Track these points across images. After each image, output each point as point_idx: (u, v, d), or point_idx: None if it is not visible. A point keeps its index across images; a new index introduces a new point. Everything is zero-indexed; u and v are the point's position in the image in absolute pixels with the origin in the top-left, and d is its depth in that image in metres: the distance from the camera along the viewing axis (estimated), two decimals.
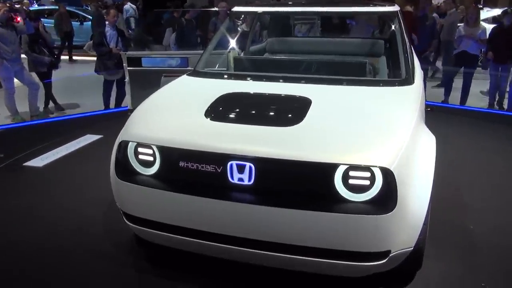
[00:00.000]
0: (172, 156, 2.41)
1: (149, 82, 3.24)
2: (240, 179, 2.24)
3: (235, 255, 2.39)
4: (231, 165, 2.24)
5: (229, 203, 2.24)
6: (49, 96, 7.27)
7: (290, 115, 2.45)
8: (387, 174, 2.05)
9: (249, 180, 2.22)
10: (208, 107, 2.56)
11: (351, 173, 2.10)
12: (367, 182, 2.09)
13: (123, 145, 2.52)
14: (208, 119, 2.45)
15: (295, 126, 2.28)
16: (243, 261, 2.43)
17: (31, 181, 4.21)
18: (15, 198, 3.79)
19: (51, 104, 7.36)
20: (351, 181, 2.11)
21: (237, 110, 2.61)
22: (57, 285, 2.69)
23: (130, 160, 2.51)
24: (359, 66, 3.13)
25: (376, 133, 2.24)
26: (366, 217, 2.05)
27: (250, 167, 2.20)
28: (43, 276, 2.76)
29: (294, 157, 2.12)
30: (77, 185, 4.04)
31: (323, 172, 2.12)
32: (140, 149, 2.48)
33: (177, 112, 2.65)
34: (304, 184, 2.18)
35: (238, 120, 2.45)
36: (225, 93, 2.74)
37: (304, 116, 2.35)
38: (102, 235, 3.20)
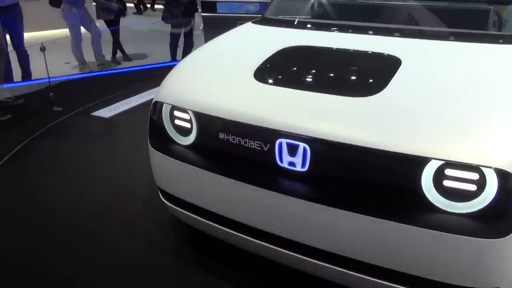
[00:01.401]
0: (209, 125, 1.91)
1: (224, 31, 2.66)
2: (291, 163, 1.68)
3: (280, 258, 1.88)
4: (280, 144, 1.68)
5: (273, 193, 1.70)
6: (117, 45, 7.07)
7: (367, 81, 1.80)
8: (506, 180, 1.37)
9: (302, 165, 1.66)
10: (261, 65, 1.99)
11: (448, 172, 1.45)
12: (472, 187, 1.43)
13: (158, 107, 2.06)
14: (257, 80, 1.89)
15: (373, 97, 1.64)
16: (289, 265, 1.91)
17: (97, 131, 4.19)
18: (78, 150, 3.75)
19: (118, 54, 7.16)
20: (446, 183, 1.47)
21: (296, 70, 2.01)
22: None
23: (165, 126, 2.06)
24: (480, 15, 2.27)
25: (493, 117, 1.52)
26: (468, 240, 1.40)
27: (305, 149, 1.63)
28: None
29: (364, 142, 1.51)
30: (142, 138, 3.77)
31: (405, 166, 1.50)
32: (176, 113, 2.01)
33: (223, 70, 2.10)
34: (374, 181, 1.57)
35: (294, 84, 1.85)
36: (287, 46, 2.13)
37: (388, 82, 1.69)
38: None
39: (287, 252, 1.77)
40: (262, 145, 1.73)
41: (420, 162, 1.46)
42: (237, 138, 1.79)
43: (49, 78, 4.83)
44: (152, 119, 2.10)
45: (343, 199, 1.60)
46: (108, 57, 6.98)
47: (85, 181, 3.21)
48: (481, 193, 1.42)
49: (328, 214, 1.59)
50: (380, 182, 1.55)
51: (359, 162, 1.56)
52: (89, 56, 6.75)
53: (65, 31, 6.63)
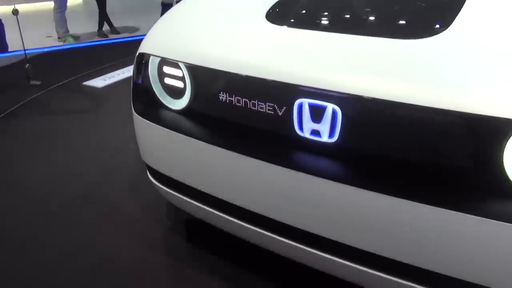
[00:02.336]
0: (207, 83, 1.48)
1: None
2: (315, 132, 1.25)
3: (298, 256, 1.47)
4: (300, 106, 1.25)
5: (291, 172, 1.27)
6: (103, 17, 6.54)
7: (423, 18, 1.33)
8: None
9: (330, 135, 1.23)
10: (275, 3, 1.53)
11: None
12: None
13: (143, 61, 1.61)
14: (270, 22, 1.43)
15: (432, 38, 1.17)
16: (307, 264, 1.50)
17: (79, 106, 3.79)
18: (57, 126, 3.35)
19: (106, 27, 6.64)
20: None
21: (324, 7, 1.53)
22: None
23: (153, 85, 1.61)
24: None
25: None
26: None
27: (334, 112, 1.20)
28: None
29: (421, 99, 1.06)
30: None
31: (480, 135, 1.06)
32: (166, 69, 1.56)
33: (225, 12, 1.63)
34: (434, 156, 1.13)
35: (321, 25, 1.39)
36: None
37: (453, 19, 1.22)
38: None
39: (307, 249, 1.36)
40: (276, 107, 1.29)
41: (502, 130, 1.01)
42: (243, 99, 1.35)
43: (24, 49, 4.35)
44: (136, 77, 1.65)
45: (388, 180, 1.17)
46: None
47: (66, 158, 2.81)
48: None
49: (367, 200, 1.17)
50: (443, 158, 1.11)
51: (413, 129, 1.13)
52: (74, 27, 6.27)
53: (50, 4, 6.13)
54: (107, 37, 6.49)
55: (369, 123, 1.18)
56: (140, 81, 1.63)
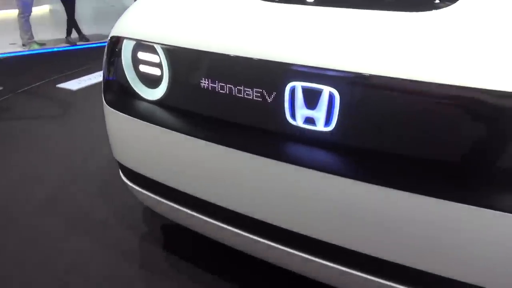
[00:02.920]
0: (187, 67, 1.31)
1: None
2: (309, 120, 1.11)
3: (291, 264, 1.31)
4: (292, 90, 1.11)
5: (282, 165, 1.13)
6: (71, 24, 6.30)
7: None
8: None
9: (326, 123, 1.09)
10: None
11: None
12: None
13: (115, 45, 1.43)
14: None
15: (440, 11, 1.04)
16: (302, 274, 1.34)
17: (42, 112, 3.52)
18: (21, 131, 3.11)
19: (74, 34, 6.41)
20: None
21: None
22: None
23: (126, 72, 1.42)
24: None
25: None
26: None
27: (331, 96, 1.07)
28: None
29: (431, 77, 0.93)
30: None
31: (492, 116, 0.93)
32: (141, 55, 1.39)
33: None
34: (444, 144, 0.99)
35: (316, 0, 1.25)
36: None
37: None
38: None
39: (300, 255, 1.22)
40: (265, 93, 1.15)
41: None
42: (228, 85, 1.20)
43: None
44: (108, 64, 1.47)
45: (395, 173, 1.03)
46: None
47: (30, 161, 2.59)
48: None
49: (373, 197, 1.03)
50: (455, 146, 0.98)
51: (421, 111, 0.99)
52: (40, 33, 6.02)
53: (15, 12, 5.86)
54: (75, 44, 6.26)
55: (371, 108, 1.05)
56: (112, 68, 1.46)
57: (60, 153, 2.72)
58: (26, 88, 4.03)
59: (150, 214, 2.03)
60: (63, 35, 6.33)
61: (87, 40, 6.43)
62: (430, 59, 0.95)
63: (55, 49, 5.89)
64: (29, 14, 5.75)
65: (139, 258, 1.80)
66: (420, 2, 1.11)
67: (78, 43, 6.30)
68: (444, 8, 1.04)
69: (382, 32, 1.03)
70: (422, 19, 1.03)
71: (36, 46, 5.79)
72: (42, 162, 2.60)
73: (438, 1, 1.08)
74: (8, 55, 5.28)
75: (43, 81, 4.22)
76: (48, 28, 6.71)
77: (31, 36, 5.84)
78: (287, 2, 1.23)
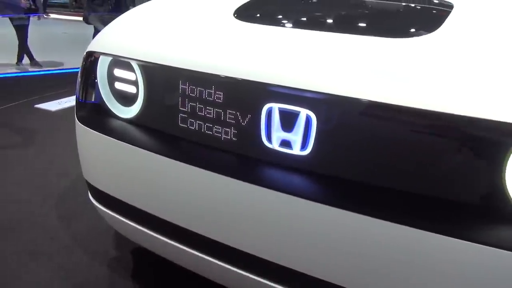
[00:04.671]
0: (163, 85, 1.28)
1: None
2: (285, 144, 1.09)
3: None
4: (269, 112, 1.08)
5: (258, 189, 1.08)
6: (23, 48, 6.07)
7: (410, 20, 1.24)
8: None
9: (303, 146, 1.07)
10: (247, 2, 1.39)
11: None
12: None
13: (91, 62, 1.39)
14: (239, 19, 1.28)
15: (424, 37, 1.06)
16: None
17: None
18: None
19: (26, 60, 6.17)
20: None
21: (303, 5, 1.42)
22: None
23: (101, 89, 1.40)
24: None
25: None
26: None
27: (308, 119, 1.05)
28: None
29: (411, 102, 0.92)
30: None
31: (477, 145, 0.93)
32: (117, 72, 1.36)
33: (188, 10, 1.47)
34: (424, 171, 0.99)
35: (299, 23, 1.25)
36: None
37: (442, 22, 1.12)
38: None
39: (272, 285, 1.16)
40: (241, 114, 1.12)
41: (502, 137, 0.88)
42: (202, 105, 1.16)
43: None
44: (82, 81, 1.42)
45: (372, 201, 1.01)
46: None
47: None
48: None
49: (346, 223, 1.00)
50: (435, 173, 0.97)
51: (399, 137, 0.98)
52: None
53: None
54: (27, 70, 6.02)
55: (348, 131, 1.04)
56: (86, 85, 1.42)
57: (26, 177, 2.57)
58: None
59: (117, 240, 1.91)
60: (12, 60, 6.08)
61: (39, 66, 6.20)
62: (408, 84, 0.95)
63: (3, 75, 5.63)
64: None
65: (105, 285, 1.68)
66: (400, 29, 1.14)
67: (29, 69, 6.05)
68: (423, 36, 1.06)
69: (361, 57, 1.04)
70: (400, 45, 1.04)
71: None
72: (6, 185, 2.44)
73: (418, 29, 1.11)
74: None
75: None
76: None
77: None
78: (268, 24, 1.23)
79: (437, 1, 1.33)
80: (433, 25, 1.10)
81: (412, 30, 1.13)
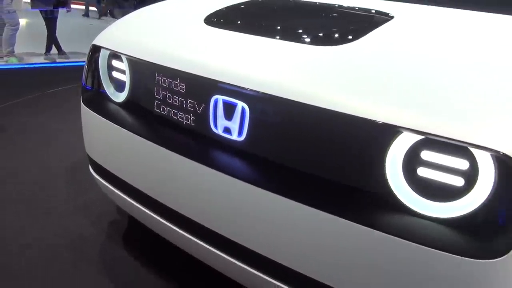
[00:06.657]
0: (142, 75, 1.59)
1: None
2: (226, 130, 1.30)
3: (206, 257, 1.47)
4: (216, 103, 1.31)
5: (205, 169, 1.30)
6: (51, 40, 6.44)
7: (340, 31, 1.42)
8: (508, 169, 0.93)
9: (239, 133, 1.28)
10: (216, 10, 1.67)
11: (426, 155, 1.01)
12: (459, 181, 0.99)
13: (95, 53, 1.73)
14: (206, 24, 1.55)
15: (341, 46, 1.25)
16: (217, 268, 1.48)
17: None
18: None
19: (54, 50, 6.54)
20: (422, 172, 1.02)
21: (257, 17, 1.67)
22: None
23: (101, 77, 1.73)
24: None
25: (497, 86, 1.04)
26: (448, 258, 0.95)
27: (243, 110, 1.26)
28: None
29: (306, 98, 1.11)
30: None
31: (366, 140, 1.10)
32: (115, 63, 1.69)
33: (170, 16, 1.80)
34: (320, 159, 1.18)
35: (250, 29, 1.46)
36: None
37: (367, 33, 1.31)
38: None
39: (213, 251, 1.37)
40: (196, 104, 1.36)
41: (385, 135, 1.04)
42: (169, 93, 1.43)
43: None
44: (88, 68, 1.76)
45: (286, 183, 1.20)
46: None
47: None
48: (470, 189, 0.98)
49: (265, 202, 1.19)
50: (330, 161, 1.16)
51: (307, 130, 1.18)
52: (20, 46, 6.09)
53: None
54: (54, 60, 6.37)
55: (273, 123, 1.24)
56: (90, 72, 1.75)
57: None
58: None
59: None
60: (41, 50, 6.43)
61: (67, 57, 6.56)
62: (317, 87, 1.13)
63: (34, 65, 5.95)
64: (18, 27, 5.85)
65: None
66: (329, 38, 1.33)
67: (57, 60, 6.40)
68: (345, 44, 1.25)
69: (288, 62, 1.24)
70: (323, 52, 1.24)
71: (14, 61, 5.86)
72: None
73: (344, 38, 1.29)
74: None
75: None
76: (25, 42, 6.72)
77: (13, 50, 5.91)
78: (230, 30, 1.47)
79: (378, 13, 1.51)
80: (360, 35, 1.29)
81: (339, 38, 1.32)
